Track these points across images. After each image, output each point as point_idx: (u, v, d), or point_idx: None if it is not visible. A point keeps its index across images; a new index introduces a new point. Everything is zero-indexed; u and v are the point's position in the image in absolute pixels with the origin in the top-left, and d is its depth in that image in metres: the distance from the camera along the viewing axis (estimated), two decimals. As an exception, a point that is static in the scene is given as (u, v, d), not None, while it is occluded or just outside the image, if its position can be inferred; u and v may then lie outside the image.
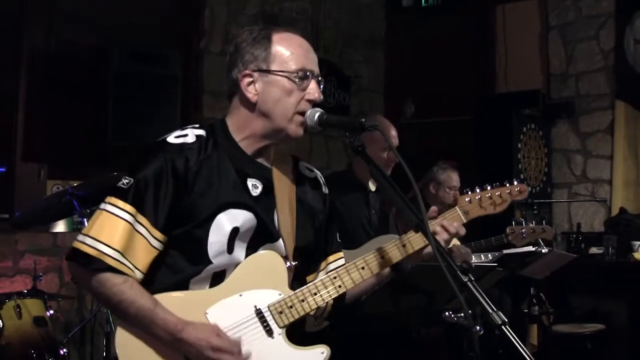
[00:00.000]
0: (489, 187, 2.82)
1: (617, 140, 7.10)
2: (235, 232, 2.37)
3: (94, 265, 2.25)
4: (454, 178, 5.67)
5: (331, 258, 2.67)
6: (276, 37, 2.42)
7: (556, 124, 7.48)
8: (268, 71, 2.39)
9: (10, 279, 5.11)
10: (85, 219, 3.81)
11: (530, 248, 4.91)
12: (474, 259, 4.75)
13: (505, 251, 4.78)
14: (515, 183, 2.89)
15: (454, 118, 7.76)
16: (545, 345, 6.14)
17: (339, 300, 2.57)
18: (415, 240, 2.52)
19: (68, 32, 5.77)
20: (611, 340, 6.04)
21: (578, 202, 7.27)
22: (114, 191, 2.32)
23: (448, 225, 2.60)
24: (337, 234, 2.72)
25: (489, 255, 4.79)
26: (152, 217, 2.29)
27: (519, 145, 7.05)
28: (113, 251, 2.24)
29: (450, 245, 4.45)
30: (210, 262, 2.35)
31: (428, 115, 8.09)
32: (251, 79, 2.40)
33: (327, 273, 2.53)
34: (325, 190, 2.68)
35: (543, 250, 4.90)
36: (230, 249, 2.37)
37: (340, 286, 2.44)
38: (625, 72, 7.05)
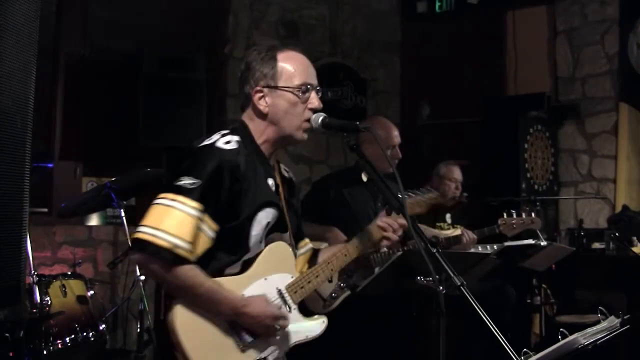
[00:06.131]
0: (416, 195, 3.30)
1: (621, 140, 7.31)
2: (267, 225, 2.80)
3: (169, 257, 2.53)
4: (454, 171, 6.05)
5: (302, 244, 3.15)
6: (280, 56, 2.84)
7: (563, 125, 7.70)
8: (276, 87, 2.81)
9: (49, 268, 5.49)
10: (122, 210, 4.22)
11: (531, 241, 5.24)
12: (479, 248, 5.08)
13: (506, 243, 5.08)
14: (433, 191, 3.36)
15: (466, 119, 7.96)
16: (548, 334, 6.45)
17: None
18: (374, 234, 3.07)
19: (101, 40, 6.15)
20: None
21: (582, 199, 7.52)
22: (179, 190, 2.60)
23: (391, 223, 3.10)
24: (302, 225, 3.20)
25: (493, 247, 5.12)
26: (213, 213, 2.63)
27: (526, 146, 7.27)
28: (185, 243, 2.55)
29: (459, 232, 4.88)
30: (248, 251, 2.77)
31: (442, 117, 8.32)
32: (262, 94, 2.82)
33: (302, 254, 3.11)
34: (297, 189, 3.15)
35: (542, 243, 5.23)
36: (261, 239, 2.80)
37: (332, 269, 2.98)
38: (628, 75, 7.26)
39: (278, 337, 2.79)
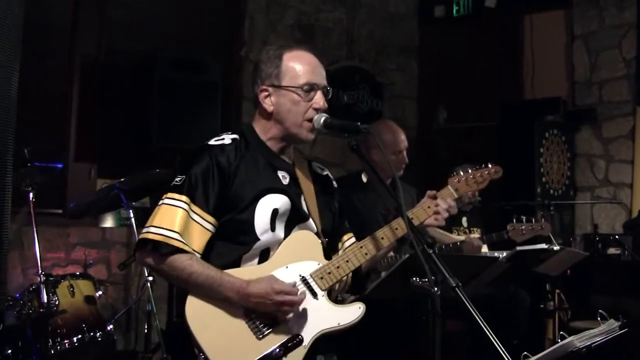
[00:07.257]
0: (471, 170, 3.24)
1: (638, 145, 7.30)
2: (275, 212, 2.81)
3: (163, 249, 2.64)
4: None
5: (345, 238, 3.13)
6: (286, 56, 2.87)
7: (580, 129, 7.69)
8: (280, 86, 2.85)
9: (63, 269, 5.51)
10: (130, 211, 4.24)
11: (543, 245, 5.20)
12: (495, 254, 5.05)
13: (518, 248, 5.07)
14: (491, 165, 3.29)
15: (483, 124, 7.97)
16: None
17: (356, 274, 3.03)
18: (417, 217, 3.03)
19: (117, 42, 6.17)
20: (625, 336, 6.24)
21: (598, 204, 7.50)
22: (170, 188, 2.73)
23: (440, 202, 3.10)
24: (346, 220, 3.17)
25: (503, 253, 5.10)
26: (203, 204, 2.71)
27: (541, 150, 7.26)
28: (175, 233, 2.64)
29: (464, 238, 4.86)
30: (258, 239, 2.78)
31: (459, 121, 8.33)
32: (267, 93, 2.87)
33: (344, 250, 3.01)
34: (334, 184, 3.17)
35: (555, 248, 5.19)
36: (272, 227, 2.81)
37: (366, 253, 2.90)
38: (646, 79, 7.21)
39: (300, 323, 2.76)
